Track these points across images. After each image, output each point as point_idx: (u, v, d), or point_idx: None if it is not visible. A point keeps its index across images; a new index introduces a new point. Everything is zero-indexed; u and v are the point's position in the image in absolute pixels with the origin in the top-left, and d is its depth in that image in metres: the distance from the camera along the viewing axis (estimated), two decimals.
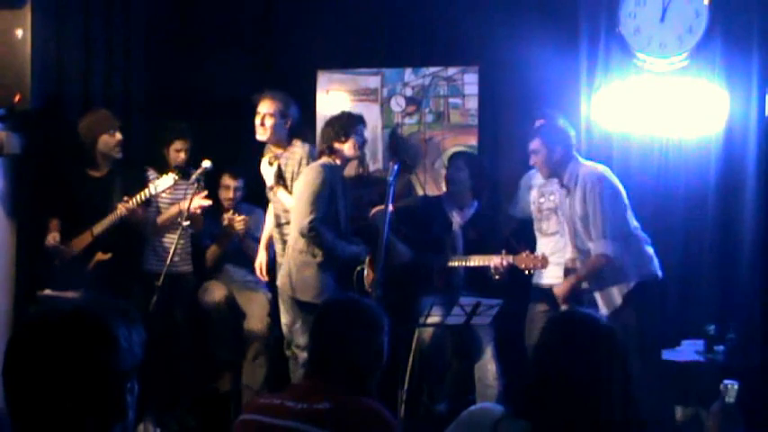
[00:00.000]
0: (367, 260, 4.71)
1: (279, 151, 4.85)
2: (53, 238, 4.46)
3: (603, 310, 4.32)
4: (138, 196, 4.45)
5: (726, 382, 4.02)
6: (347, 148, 4.50)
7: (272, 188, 4.79)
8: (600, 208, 4.28)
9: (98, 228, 4.49)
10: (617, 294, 4.36)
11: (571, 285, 4.37)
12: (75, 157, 4.62)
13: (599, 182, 4.33)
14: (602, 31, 5.03)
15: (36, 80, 4.37)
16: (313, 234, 4.36)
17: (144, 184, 4.59)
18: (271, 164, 4.83)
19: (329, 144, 4.49)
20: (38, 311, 1.59)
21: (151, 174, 4.81)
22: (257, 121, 4.76)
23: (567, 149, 4.44)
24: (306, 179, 4.46)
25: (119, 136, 4.59)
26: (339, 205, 4.47)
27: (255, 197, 5.21)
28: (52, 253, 4.47)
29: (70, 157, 4.63)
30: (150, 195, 4.47)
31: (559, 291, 4.39)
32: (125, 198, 4.46)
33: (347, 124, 4.51)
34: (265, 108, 4.73)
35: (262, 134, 4.76)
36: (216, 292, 5.04)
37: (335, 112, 5.28)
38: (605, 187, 4.33)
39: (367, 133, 4.75)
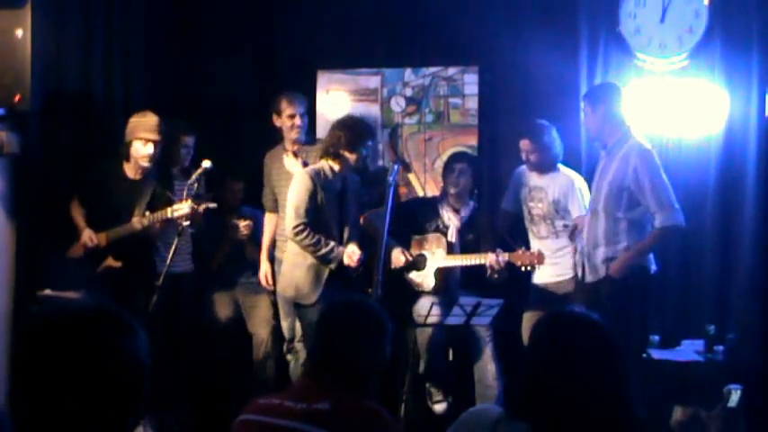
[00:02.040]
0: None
1: (296, 147, 4.92)
2: (89, 237, 4.47)
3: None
4: (155, 215, 4.44)
5: (729, 386, 4.02)
6: (352, 158, 4.50)
7: None
8: (659, 180, 4.20)
9: (113, 234, 4.49)
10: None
11: (629, 259, 4.23)
12: (120, 154, 4.61)
13: (652, 156, 4.26)
14: (602, 32, 5.04)
15: (36, 80, 4.37)
16: (298, 238, 4.44)
17: (170, 196, 4.59)
18: (297, 158, 4.88)
19: (336, 150, 4.49)
20: (50, 312, 1.58)
21: (177, 183, 4.78)
22: (296, 121, 4.87)
23: (615, 112, 4.36)
24: (292, 185, 4.55)
25: (150, 149, 4.51)
26: (329, 211, 4.49)
27: (256, 200, 5.22)
28: (85, 247, 4.48)
29: (111, 152, 4.63)
30: (167, 218, 4.45)
31: (616, 267, 4.24)
32: (146, 213, 4.45)
33: (359, 138, 4.48)
34: (302, 108, 4.89)
35: (297, 133, 4.92)
36: (221, 309, 5.07)
37: (337, 112, 5.33)
38: (658, 163, 4.26)
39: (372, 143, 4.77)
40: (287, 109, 4.87)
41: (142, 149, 4.52)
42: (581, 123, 4.83)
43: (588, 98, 4.47)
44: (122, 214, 4.51)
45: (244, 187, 5.16)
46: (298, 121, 4.86)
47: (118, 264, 4.52)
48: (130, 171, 4.60)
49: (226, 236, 5.07)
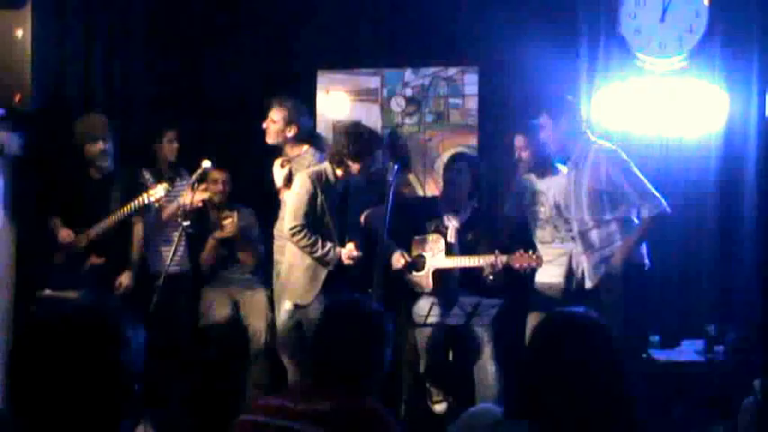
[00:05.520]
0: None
1: (291, 155, 4.90)
2: (68, 234, 4.49)
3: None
4: (131, 205, 4.46)
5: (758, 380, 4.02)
6: (355, 168, 4.51)
7: (279, 190, 4.89)
8: (633, 175, 4.36)
9: (94, 231, 4.50)
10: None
11: (627, 252, 4.36)
12: (77, 156, 4.62)
13: (619, 155, 4.41)
14: (602, 32, 5.03)
15: (36, 80, 4.37)
16: (295, 239, 4.48)
17: (140, 187, 4.59)
18: (282, 166, 4.89)
19: (341, 157, 4.50)
20: (47, 312, 1.59)
21: (146, 176, 4.81)
22: (264, 124, 4.87)
23: (576, 123, 4.51)
24: (293, 186, 4.60)
25: (101, 145, 4.54)
26: (329, 214, 4.51)
27: (250, 199, 5.23)
28: (66, 249, 4.49)
29: (72, 157, 4.64)
30: (143, 204, 4.48)
31: (616, 260, 4.35)
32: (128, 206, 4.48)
33: (364, 148, 4.49)
34: (271, 114, 4.85)
35: (267, 137, 4.90)
36: (219, 309, 5.06)
37: (336, 112, 5.34)
38: (626, 159, 4.41)
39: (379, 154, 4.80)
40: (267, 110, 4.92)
41: (93, 149, 4.55)
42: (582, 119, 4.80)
43: (551, 112, 4.50)
44: (98, 214, 4.54)
45: (227, 178, 5.10)
46: (264, 124, 4.88)
47: (100, 260, 4.52)
48: (92, 172, 4.63)
49: (210, 233, 5.07)
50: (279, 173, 4.91)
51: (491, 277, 4.56)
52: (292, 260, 4.60)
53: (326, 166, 4.57)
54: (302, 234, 4.46)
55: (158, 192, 4.47)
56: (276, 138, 4.86)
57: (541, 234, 4.79)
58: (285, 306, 4.70)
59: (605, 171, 4.35)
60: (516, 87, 5.24)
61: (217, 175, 5.03)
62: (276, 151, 5.02)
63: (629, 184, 4.33)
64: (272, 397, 2.41)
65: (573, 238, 4.66)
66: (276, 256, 4.97)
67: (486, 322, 4.52)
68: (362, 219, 4.83)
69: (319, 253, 4.48)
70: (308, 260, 4.53)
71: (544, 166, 4.76)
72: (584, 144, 4.46)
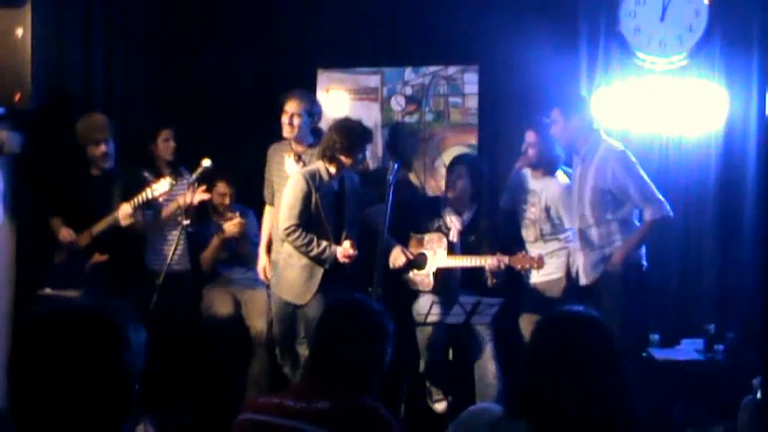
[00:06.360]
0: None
1: (301, 149, 4.89)
2: (68, 233, 4.49)
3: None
4: (135, 200, 4.46)
5: (754, 380, 4.03)
6: (348, 162, 4.53)
7: None
8: (639, 177, 4.33)
9: (97, 228, 4.51)
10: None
11: (627, 252, 4.34)
12: (78, 155, 4.63)
13: (627, 156, 4.39)
14: (601, 31, 5.04)
15: (36, 80, 4.37)
16: (290, 239, 4.49)
17: (141, 185, 4.60)
18: (297, 162, 4.88)
19: (332, 153, 4.50)
20: (48, 311, 1.59)
21: (147, 175, 4.82)
22: (285, 119, 4.83)
23: (587, 120, 4.49)
24: (287, 186, 4.59)
25: (103, 148, 4.55)
26: (325, 213, 4.52)
27: (249, 198, 5.22)
28: (66, 248, 4.49)
29: (72, 155, 4.64)
30: (147, 199, 4.48)
31: (616, 259, 4.33)
32: (127, 204, 4.47)
33: (356, 142, 4.51)
34: (293, 107, 4.81)
35: (289, 132, 4.85)
36: (220, 308, 5.05)
37: (337, 111, 5.33)
38: (634, 161, 4.38)
39: (369, 147, 4.83)
40: (282, 106, 4.87)
41: (96, 150, 4.56)
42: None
43: (563, 109, 4.49)
44: (99, 212, 4.54)
45: (234, 191, 5.13)
46: (285, 119, 4.83)
47: (104, 258, 4.53)
48: (95, 169, 4.64)
49: (212, 237, 5.07)
50: (294, 169, 4.89)
51: (494, 280, 4.56)
52: (288, 260, 4.61)
53: (319, 164, 4.56)
54: (297, 233, 4.47)
55: (163, 186, 4.46)
56: (299, 130, 4.82)
57: (525, 233, 4.81)
58: (278, 302, 4.71)
59: (611, 170, 4.33)
60: (516, 86, 5.25)
61: (224, 189, 5.07)
62: (267, 149, 5.02)
63: (633, 186, 4.30)
64: (273, 396, 2.41)
65: (557, 240, 4.69)
66: (273, 257, 4.97)
67: (486, 321, 4.52)
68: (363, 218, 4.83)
69: (315, 252, 4.49)
70: (304, 259, 4.54)
71: (546, 167, 4.77)
72: (595, 141, 4.44)
